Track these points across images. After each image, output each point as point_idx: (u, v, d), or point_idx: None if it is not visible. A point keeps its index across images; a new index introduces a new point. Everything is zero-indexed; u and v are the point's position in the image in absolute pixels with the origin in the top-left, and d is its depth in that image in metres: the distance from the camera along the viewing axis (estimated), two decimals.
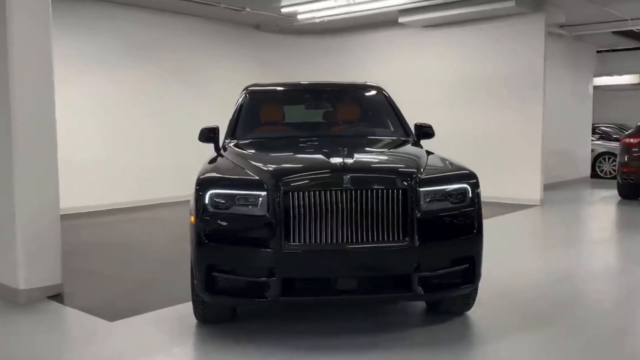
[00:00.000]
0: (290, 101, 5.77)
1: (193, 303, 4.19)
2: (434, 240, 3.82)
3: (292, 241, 3.67)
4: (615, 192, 11.59)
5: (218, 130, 5.28)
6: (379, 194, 3.71)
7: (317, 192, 3.68)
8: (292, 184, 3.71)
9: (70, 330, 4.43)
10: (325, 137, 5.14)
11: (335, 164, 3.83)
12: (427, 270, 3.80)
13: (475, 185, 4.04)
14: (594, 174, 15.44)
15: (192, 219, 3.94)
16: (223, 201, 3.81)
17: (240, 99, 5.49)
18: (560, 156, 13.45)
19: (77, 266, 6.00)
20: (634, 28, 12.25)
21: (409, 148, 4.75)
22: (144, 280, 5.64)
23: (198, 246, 3.85)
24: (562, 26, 12.53)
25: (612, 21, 12.08)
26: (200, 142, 5.27)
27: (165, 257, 6.57)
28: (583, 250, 7.18)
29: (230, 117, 6.61)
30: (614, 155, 15.26)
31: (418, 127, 5.32)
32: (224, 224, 3.81)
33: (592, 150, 15.47)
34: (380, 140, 5.10)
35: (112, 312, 4.63)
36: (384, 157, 4.60)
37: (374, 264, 3.75)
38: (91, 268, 6.15)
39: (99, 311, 4.62)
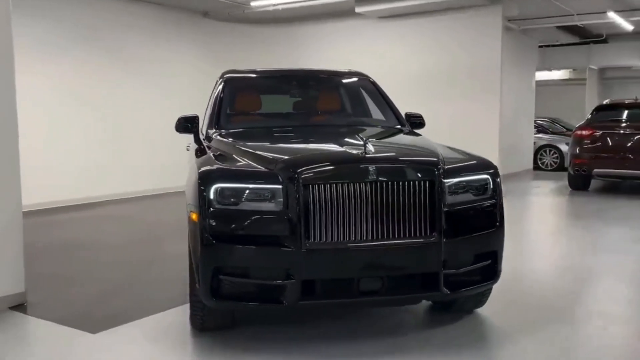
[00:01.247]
0: (275, 89, 5.39)
1: (191, 310, 3.77)
2: (459, 235, 3.56)
3: (312, 239, 3.32)
4: (563, 183, 11.82)
5: (198, 120, 4.85)
6: (406, 186, 3.41)
7: (340, 185, 3.35)
8: (312, 176, 3.35)
9: (47, 345, 3.88)
10: (320, 126, 4.83)
11: (357, 154, 3.50)
12: (453, 267, 3.55)
13: (496, 176, 3.83)
14: (536, 166, 15.78)
15: (194, 216, 3.52)
16: (231, 196, 3.41)
17: (220, 87, 5.07)
18: (507, 148, 13.60)
19: (37, 271, 5.40)
20: (579, 23, 12.53)
21: (414, 138, 4.49)
22: (117, 285, 5.12)
23: (203, 247, 3.43)
24: (510, 20, 12.65)
25: (560, 15, 12.32)
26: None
27: (133, 259, 6.04)
28: (545, 241, 7.17)
29: (205, 105, 6.30)
30: (555, 147, 15.70)
31: (407, 116, 5.12)
32: (233, 221, 3.41)
33: (534, 143, 15.80)
34: (380, 130, 4.82)
35: (92, 322, 4.13)
36: (402, 147, 4.29)
37: (401, 262, 3.46)
38: (54, 272, 5.54)
39: (75, 322, 4.11)
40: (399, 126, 4.97)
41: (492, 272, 3.77)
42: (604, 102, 11.40)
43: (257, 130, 4.73)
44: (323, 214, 3.32)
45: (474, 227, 3.67)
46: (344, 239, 3.34)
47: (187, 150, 5.71)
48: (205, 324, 3.80)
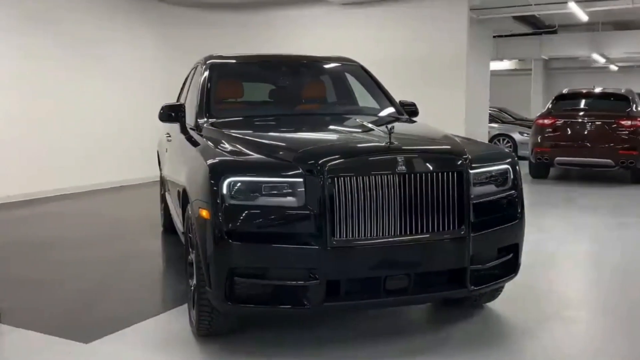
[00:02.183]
0: (266, 75, 5.09)
1: (198, 314, 3.46)
2: (484, 228, 3.40)
3: (337, 236, 3.08)
4: (522, 171, 11.95)
5: (184, 109, 4.52)
6: (434, 177, 3.22)
7: (367, 177, 3.11)
8: (338, 167, 3.10)
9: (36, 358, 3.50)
10: (320, 115, 4.59)
11: (385, 144, 3.27)
12: (479, 262, 3.40)
13: (516, 165, 3.70)
14: None
15: (203, 212, 3.22)
16: (245, 191, 3.13)
17: (206, 73, 4.72)
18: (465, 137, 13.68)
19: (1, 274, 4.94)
20: (537, 13, 12.67)
21: (423, 126, 4.32)
22: (96, 287, 4.72)
23: (216, 247, 3.14)
24: (470, 9, 12.66)
25: (517, 6, 12.41)
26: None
27: (106, 258, 5.61)
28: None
29: (182, 92, 5.96)
30: (509, 136, 15.91)
31: (401, 105, 4.95)
32: (250, 218, 3.13)
33: (488, 132, 15.97)
34: (382, 119, 4.60)
35: (81, 330, 3.75)
36: (422, 137, 4.07)
37: (429, 258, 3.26)
38: (20, 275, 5.07)
39: (62, 331, 3.72)
40: (397, 115, 4.78)
41: (513, 266, 3.64)
42: (563, 91, 11.55)
43: (255, 119, 4.43)
44: (349, 208, 3.09)
45: (498, 219, 3.52)
46: (371, 235, 3.12)
47: (169, 141, 5.33)
48: (213, 328, 3.50)
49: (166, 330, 3.78)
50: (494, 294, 3.99)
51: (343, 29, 11.19)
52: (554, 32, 16.41)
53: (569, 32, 16.38)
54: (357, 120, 4.27)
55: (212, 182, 3.15)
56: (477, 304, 4.08)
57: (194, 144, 3.97)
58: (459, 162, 3.29)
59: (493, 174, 3.53)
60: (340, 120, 4.47)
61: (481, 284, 3.44)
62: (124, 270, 5.20)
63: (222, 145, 3.66)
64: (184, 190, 3.82)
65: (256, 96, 4.96)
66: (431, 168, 3.22)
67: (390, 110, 4.85)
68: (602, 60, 17.47)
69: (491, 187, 3.52)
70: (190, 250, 3.77)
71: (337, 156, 3.16)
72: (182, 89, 6.42)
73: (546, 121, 10.83)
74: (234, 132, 3.96)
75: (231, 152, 3.47)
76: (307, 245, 3.08)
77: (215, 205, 3.12)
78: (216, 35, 11.40)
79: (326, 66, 5.27)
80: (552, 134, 10.69)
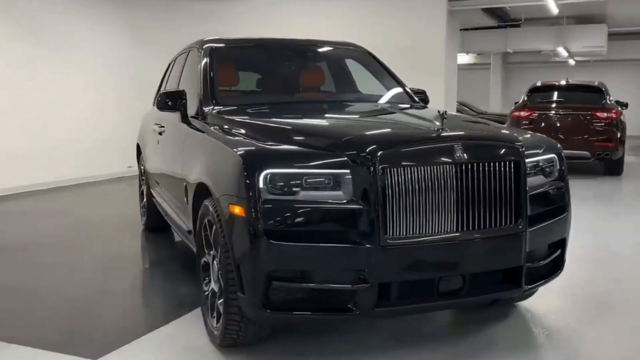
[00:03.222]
0: (272, 61, 4.70)
1: (224, 323, 3.07)
2: (538, 222, 3.14)
3: (390, 233, 2.75)
4: None
5: (185, 96, 4.11)
6: (493, 167, 2.93)
7: (423, 167, 2.80)
8: (391, 157, 2.78)
9: None
10: (344, 102, 4.31)
11: (438, 131, 2.96)
12: (533, 259, 3.15)
13: (562, 155, 3.46)
14: None
15: (236, 209, 2.84)
16: (285, 184, 2.77)
17: (206, 58, 4.29)
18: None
19: None
20: (508, 4, 12.61)
21: (453, 114, 4.03)
22: (84, 295, 4.25)
23: (252, 247, 2.77)
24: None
25: None
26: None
27: (86, 260, 5.12)
28: None
29: (167, 81, 5.51)
30: None
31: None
32: (290, 215, 2.76)
33: None
34: (404, 106, 4.30)
35: (84, 344, 3.31)
36: (470, 124, 3.76)
37: (486, 256, 2.97)
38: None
39: (63, 346, 3.27)
40: (411, 103, 4.49)
41: (560, 262, 3.40)
42: (537, 84, 11.53)
43: (268, 106, 4.06)
44: (404, 202, 2.76)
45: (549, 213, 3.27)
46: (426, 232, 2.81)
47: (159, 132, 4.89)
48: (241, 339, 3.12)
49: (180, 341, 3.37)
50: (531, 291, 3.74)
51: (324, 18, 10.85)
52: (518, 25, 16.48)
53: (533, 26, 16.47)
54: (386, 106, 3.97)
55: (246, 174, 2.78)
56: (508, 303, 3.83)
57: (209, 133, 3.57)
58: (516, 151, 3.02)
59: (541, 163, 3.28)
60: (365, 107, 4.16)
61: (533, 283, 3.18)
62: (112, 274, 4.74)
63: (244, 134, 3.29)
64: (198, 185, 3.44)
65: (262, 83, 4.57)
66: (490, 157, 2.93)
67: (405, 98, 4.55)
68: (565, 53, 17.66)
69: (541, 178, 3.27)
70: (206, 251, 3.40)
71: (389, 143, 2.83)
72: (164, 77, 5.97)
73: (522, 113, 10.78)
74: (253, 120, 3.60)
75: (261, 142, 3.09)
76: (356, 244, 2.75)
77: (251, 201, 2.75)
78: (189, 24, 10.87)
79: (334, 51, 4.92)
80: (528, 127, 10.62)
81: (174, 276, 4.56)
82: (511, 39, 16.37)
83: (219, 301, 3.18)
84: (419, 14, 10.19)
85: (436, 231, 2.82)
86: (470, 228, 2.88)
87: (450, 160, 2.83)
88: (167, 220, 5.16)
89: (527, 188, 3.04)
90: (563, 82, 11.34)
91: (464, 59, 22.49)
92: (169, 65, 5.89)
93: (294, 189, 2.76)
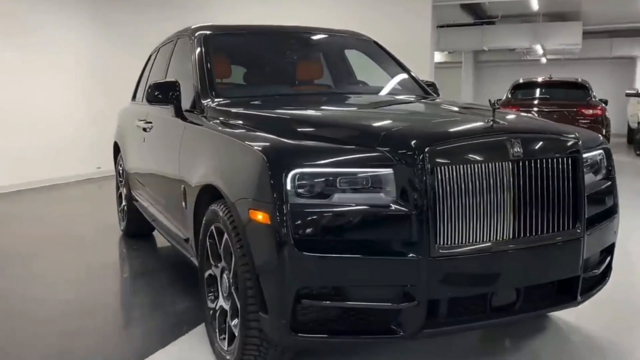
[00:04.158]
0: (273, 50, 4.26)
1: (241, 347, 2.64)
2: (593, 226, 2.79)
3: (442, 242, 2.37)
4: None
5: (179, 88, 3.66)
6: (551, 164, 2.57)
7: (478, 165, 2.42)
8: (440, 153, 2.39)
9: None
10: (355, 94, 3.93)
11: (490, 123, 2.59)
12: (589, 267, 2.81)
13: (610, 150, 3.13)
14: None
15: (259, 215, 2.42)
16: (318, 185, 2.36)
17: (200, 47, 3.83)
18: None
19: None
20: (487, 0, 12.39)
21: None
22: (63, 314, 3.75)
23: (279, 260, 2.35)
24: None
25: None
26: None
27: (65, 272, 4.60)
28: None
29: (148, 73, 5.04)
30: None
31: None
32: (324, 222, 2.35)
33: None
34: (425, 99, 3.93)
35: None
36: (517, 116, 3.38)
37: (544, 265, 2.60)
38: None
39: None
40: (423, 94, 4.13)
41: (608, 269, 3.07)
42: (520, 81, 11.35)
43: (276, 98, 3.65)
44: (456, 205, 2.38)
45: (600, 215, 2.93)
46: (480, 239, 2.43)
47: (146, 130, 4.41)
48: None
49: None
50: None
51: (309, 10, 10.42)
52: (493, 23, 16.35)
53: (509, 24, 16.35)
54: (406, 97, 3.60)
55: (271, 174, 2.36)
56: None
57: (216, 129, 3.13)
58: (575, 144, 2.67)
59: (590, 160, 2.94)
60: (387, 99, 3.78)
61: (586, 294, 2.84)
62: (93, 288, 4.24)
63: (258, 128, 2.87)
64: (203, 188, 3.00)
65: (261, 73, 4.13)
66: (548, 152, 2.58)
67: (418, 90, 4.19)
68: (540, 51, 17.61)
69: (590, 177, 2.92)
70: (213, 263, 2.97)
71: (439, 137, 2.45)
72: (144, 70, 5.48)
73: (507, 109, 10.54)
74: (265, 112, 3.19)
75: (284, 137, 2.67)
76: (401, 255, 2.35)
77: (277, 205, 2.33)
78: (161, 18, 10.31)
79: (340, 41, 4.53)
80: None
81: (165, 290, 4.10)
82: (487, 36, 16.21)
83: (233, 322, 2.76)
84: (405, 9, 9.86)
85: (491, 239, 2.45)
86: (527, 234, 2.51)
87: (506, 156, 2.46)
88: (153, 226, 4.68)
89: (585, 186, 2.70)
90: (546, 79, 11.18)
91: (436, 57, 22.37)
92: (150, 56, 5.41)
93: (327, 191, 2.36)
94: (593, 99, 10.41)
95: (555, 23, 15.88)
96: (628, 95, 14.07)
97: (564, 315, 3.51)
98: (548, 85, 11.04)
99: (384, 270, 2.36)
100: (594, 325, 3.44)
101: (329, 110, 3.41)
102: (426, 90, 4.20)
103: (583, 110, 10.10)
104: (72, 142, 9.50)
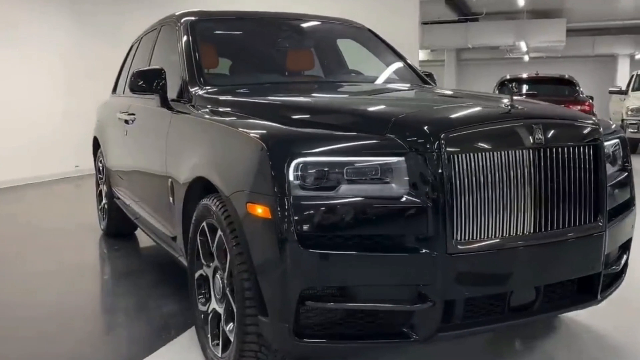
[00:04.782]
0: (264, 37, 4.03)
1: (237, 352, 2.41)
2: (613, 219, 2.62)
3: (460, 237, 2.17)
4: None
5: (165, 75, 3.42)
6: (573, 152, 2.39)
7: (498, 153, 2.23)
8: (458, 140, 2.19)
9: None
10: (351, 83, 3.72)
11: (510, 107, 2.40)
12: (610, 263, 2.63)
13: (625, 140, 2.96)
14: None
15: (258, 209, 2.21)
16: (324, 176, 2.15)
17: (187, 34, 3.59)
18: None
19: None
20: None
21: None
22: (43, 317, 3.49)
23: (281, 258, 2.13)
24: None
25: None
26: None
27: (37, 273, 4.33)
28: None
29: (130, 63, 4.79)
30: None
31: None
32: (331, 216, 2.14)
33: None
34: (423, 88, 3.74)
35: None
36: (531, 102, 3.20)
37: (565, 262, 2.42)
38: None
39: None
40: (422, 84, 3.94)
41: (625, 264, 2.90)
42: (507, 77, 11.24)
43: (276, 86, 3.44)
44: (473, 197, 2.18)
45: (619, 208, 2.75)
46: (499, 234, 2.24)
47: (128, 123, 4.16)
48: None
49: None
50: None
51: (293, 7, 10.15)
52: (476, 19, 16.26)
53: (492, 20, 16.28)
54: (413, 87, 3.41)
55: (272, 164, 2.15)
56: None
57: (207, 117, 2.91)
58: (597, 131, 2.50)
59: (609, 149, 2.76)
60: (388, 87, 3.59)
61: (606, 291, 2.66)
62: (74, 291, 3.99)
63: (254, 115, 2.66)
64: (193, 182, 2.78)
65: (252, 61, 3.90)
66: (570, 139, 2.40)
67: (415, 79, 4.00)
68: (525, 48, 17.58)
69: (608, 167, 2.74)
70: (204, 262, 2.74)
71: (456, 123, 2.25)
72: (125, 61, 5.22)
73: None
74: (260, 100, 2.97)
75: (283, 124, 2.46)
76: (415, 252, 2.15)
77: (279, 198, 2.12)
78: (141, 8, 9.97)
79: (334, 29, 4.32)
80: None
81: (150, 291, 3.85)
82: (471, 33, 16.13)
83: (227, 326, 2.53)
84: (392, 4, 9.69)
85: (511, 233, 2.26)
86: (548, 228, 2.33)
87: (528, 143, 2.27)
88: (136, 225, 4.43)
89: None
90: (533, 75, 11.08)
91: (419, 55, 22.30)
92: (132, 47, 5.15)
93: (334, 182, 2.15)
94: (581, 95, 10.34)
95: (539, 20, 15.84)
96: (611, 92, 14.04)
97: (575, 314, 3.34)
98: (535, 81, 10.95)
99: (395, 268, 2.16)
100: (606, 324, 3.26)
101: (331, 96, 3.21)
102: (425, 79, 4.01)
103: (571, 106, 9.98)
104: (49, 140, 9.16)
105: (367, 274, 2.16)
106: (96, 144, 5.49)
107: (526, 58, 21.29)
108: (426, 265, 2.14)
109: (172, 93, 3.43)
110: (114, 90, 5.39)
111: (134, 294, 3.85)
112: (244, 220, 2.29)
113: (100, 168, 5.40)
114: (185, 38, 3.58)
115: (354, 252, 2.14)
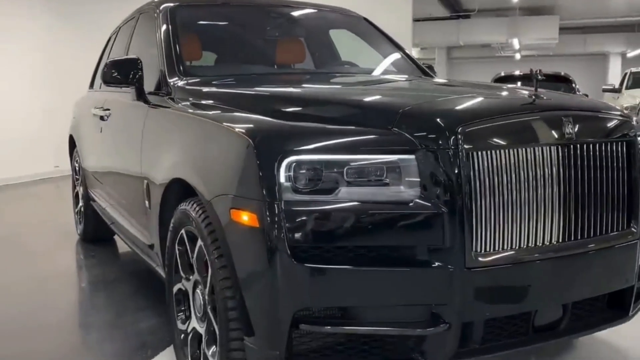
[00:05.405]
0: (250, 26, 3.70)
1: None
2: None
3: (481, 248, 1.86)
4: None
5: (141, 65, 3.09)
6: (605, 150, 2.09)
7: (523, 150, 1.92)
8: (480, 135, 1.88)
9: None
10: (345, 74, 3.40)
11: (530, 98, 2.09)
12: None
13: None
14: None
15: (244, 216, 1.89)
16: (321, 177, 1.83)
17: (166, 22, 3.26)
18: None
19: None
20: None
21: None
22: (10, 332, 3.15)
23: (271, 274, 1.82)
24: None
25: None
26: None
27: (6, 283, 3.97)
28: None
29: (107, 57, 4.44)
30: None
31: None
32: (329, 224, 1.82)
33: None
34: (424, 79, 3.43)
35: None
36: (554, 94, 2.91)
37: (596, 275, 2.11)
38: None
39: None
40: (422, 76, 3.64)
41: None
42: (501, 74, 11.01)
43: (264, 78, 3.11)
44: (496, 201, 1.87)
45: None
46: (526, 243, 1.93)
47: (103, 119, 3.82)
48: None
49: None
50: None
51: None
52: (468, 17, 16.01)
53: (484, 17, 16.02)
54: (414, 79, 3.11)
55: (260, 163, 1.83)
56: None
57: (187, 110, 2.60)
58: (630, 126, 2.20)
59: None
60: (390, 77, 3.29)
61: (638, 306, 2.36)
62: (44, 302, 3.64)
63: (240, 108, 2.33)
64: (171, 183, 2.45)
65: (237, 50, 3.57)
66: (602, 135, 2.10)
67: (415, 70, 3.70)
68: (517, 46, 17.34)
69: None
70: (183, 275, 2.42)
71: (475, 115, 1.94)
72: (102, 54, 4.88)
73: None
74: (247, 91, 2.66)
75: (274, 118, 2.14)
76: (427, 266, 1.84)
77: (268, 203, 1.80)
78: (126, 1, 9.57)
79: (326, 16, 4.00)
80: None
81: (127, 304, 3.51)
82: (463, 31, 15.87)
83: (209, 349, 2.21)
84: (386, 3, 9.40)
85: (537, 242, 1.95)
86: (579, 236, 2.02)
87: (556, 138, 1.97)
88: (113, 230, 4.09)
89: None
90: (527, 72, 10.83)
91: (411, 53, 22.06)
92: (110, 38, 4.81)
93: (332, 184, 1.83)
94: (578, 92, 10.10)
95: (532, 17, 15.60)
96: (605, 90, 13.84)
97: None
98: (530, 78, 10.68)
99: (405, 285, 1.85)
100: (626, 339, 2.96)
101: (327, 86, 2.89)
102: (426, 71, 3.71)
103: None
104: (28, 139, 8.76)
105: (372, 292, 1.84)
106: (72, 143, 5.14)
107: (517, 56, 21.09)
108: (441, 281, 1.83)
109: (151, 87, 3.10)
110: (91, 85, 5.05)
111: (109, 307, 3.51)
112: (227, 228, 1.97)
113: (77, 168, 5.05)
114: (163, 25, 3.25)
115: (356, 267, 1.83)
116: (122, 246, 4.72)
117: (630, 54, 21.70)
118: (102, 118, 3.86)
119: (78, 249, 4.86)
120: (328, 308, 1.87)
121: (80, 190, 4.94)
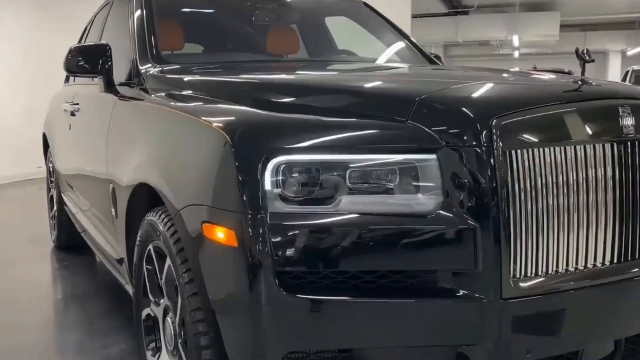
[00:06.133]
0: (235, 11, 3.30)
1: None
2: None
3: (519, 272, 1.46)
4: None
5: (110, 52, 2.68)
6: None
7: (572, 148, 1.53)
8: (520, 129, 1.48)
9: None
10: (336, 62, 3.01)
11: (576, 84, 1.70)
12: None
13: None
14: None
15: (219, 232, 1.50)
16: (315, 183, 1.44)
17: (140, 7, 2.84)
18: None
19: None
20: None
21: None
22: None
23: (254, 306, 1.42)
24: None
25: None
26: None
27: None
28: None
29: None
30: None
31: None
32: (325, 244, 1.43)
33: None
34: (430, 66, 3.05)
35: None
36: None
37: None
38: None
39: None
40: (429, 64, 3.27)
41: None
42: None
43: (249, 65, 2.71)
44: (541, 214, 1.48)
45: None
46: (575, 266, 1.54)
47: (73, 114, 3.41)
48: None
49: None
50: None
51: None
52: (467, 13, 15.66)
53: (483, 14, 15.66)
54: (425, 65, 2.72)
55: (239, 165, 1.43)
56: None
57: (156, 101, 2.20)
58: None
59: None
60: (394, 66, 2.90)
61: None
62: (10, 321, 3.23)
63: (220, 98, 1.93)
64: (137, 188, 2.05)
65: (221, 37, 3.16)
66: None
67: (421, 58, 3.32)
68: (517, 43, 16.98)
69: None
70: (152, 299, 2.02)
71: (509, 105, 1.54)
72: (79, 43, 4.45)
73: None
74: (230, 78, 2.26)
75: (258, 109, 1.74)
76: (454, 296, 1.44)
77: (250, 217, 1.40)
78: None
79: (322, 1, 3.61)
80: None
81: (96, 325, 3.09)
82: (461, 27, 15.48)
83: None
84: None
85: (588, 263, 1.56)
86: (636, 255, 1.63)
87: (613, 132, 1.57)
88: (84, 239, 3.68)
89: None
90: (531, 69, 10.46)
91: None
92: (85, 28, 4.41)
93: (330, 192, 1.44)
94: None
95: (532, 13, 15.23)
96: None
97: None
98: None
99: (424, 321, 1.46)
100: None
101: (324, 73, 2.49)
102: (434, 61, 3.32)
103: None
104: (9, 139, 8.34)
105: (382, 330, 1.45)
106: (45, 142, 4.73)
107: (516, 54, 20.74)
108: (470, 316, 1.44)
109: (123, 76, 2.70)
110: (67, 79, 4.64)
111: (77, 328, 3.09)
112: (198, 247, 1.57)
113: (51, 170, 4.64)
114: (138, 11, 2.83)
115: (361, 299, 1.43)
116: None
117: (630, 52, 21.40)
118: (72, 114, 3.45)
119: (51, 258, 4.45)
120: (326, 351, 1.47)
121: (54, 193, 4.53)
